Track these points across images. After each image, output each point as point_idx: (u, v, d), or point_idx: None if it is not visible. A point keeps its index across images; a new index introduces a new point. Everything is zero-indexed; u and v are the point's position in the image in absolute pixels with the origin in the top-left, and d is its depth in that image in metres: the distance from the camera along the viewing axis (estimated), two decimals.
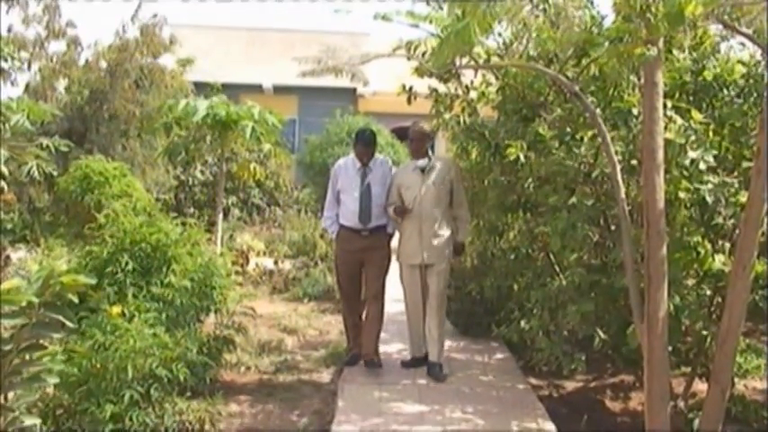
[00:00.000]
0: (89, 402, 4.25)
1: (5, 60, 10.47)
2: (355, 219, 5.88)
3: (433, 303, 5.80)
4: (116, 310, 4.70)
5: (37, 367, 2.95)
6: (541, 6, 4.78)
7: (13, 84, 11.27)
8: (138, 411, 4.30)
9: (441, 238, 5.75)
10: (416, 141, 5.84)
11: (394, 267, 6.06)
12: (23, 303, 2.79)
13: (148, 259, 5.37)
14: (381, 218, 5.94)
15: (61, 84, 12.25)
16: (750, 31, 3.87)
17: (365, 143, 5.94)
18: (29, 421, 2.97)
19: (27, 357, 2.92)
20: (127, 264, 5.22)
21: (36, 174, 8.71)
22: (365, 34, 18.64)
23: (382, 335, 6.06)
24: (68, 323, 2.94)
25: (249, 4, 49.87)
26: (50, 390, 4.25)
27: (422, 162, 5.82)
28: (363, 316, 6.05)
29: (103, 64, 12.25)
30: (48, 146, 8.84)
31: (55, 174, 9.13)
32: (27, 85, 11.92)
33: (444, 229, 5.78)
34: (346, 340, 6.30)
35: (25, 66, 11.81)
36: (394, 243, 6.05)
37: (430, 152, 5.97)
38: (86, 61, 12.38)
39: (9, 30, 11.74)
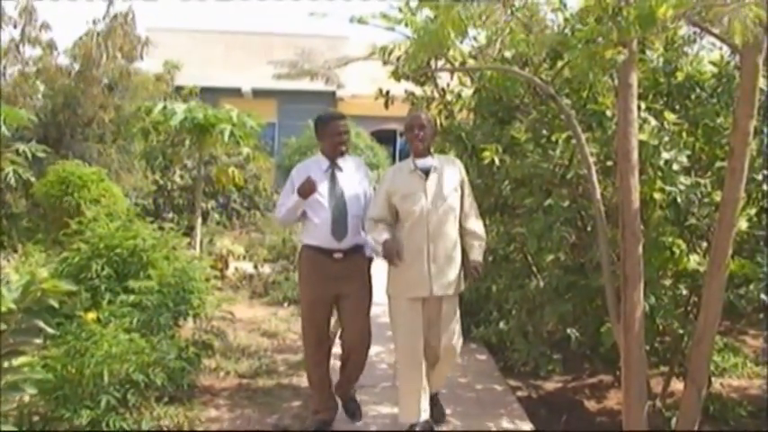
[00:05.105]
0: (65, 408, 4.20)
1: None
2: (327, 233, 4.54)
3: (444, 354, 4.59)
4: (91, 315, 4.67)
5: (16, 375, 2.93)
6: (518, 6, 4.80)
7: None
8: (115, 417, 4.26)
9: (454, 262, 4.50)
10: (419, 132, 4.46)
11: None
12: (3, 310, 2.77)
13: (124, 264, 5.35)
14: (358, 235, 4.65)
15: (37, 89, 12.17)
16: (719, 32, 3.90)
17: (337, 117, 4.75)
18: (6, 429, 2.94)
19: (6, 364, 2.90)
20: (102, 269, 5.20)
21: (12, 180, 8.66)
22: (344, 38, 18.63)
23: None
24: (48, 329, 2.93)
25: (228, 8, 49.70)
26: (26, 396, 4.22)
27: (424, 162, 4.49)
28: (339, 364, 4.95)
29: (75, 67, 12.17)
30: (24, 152, 8.79)
31: (32, 180, 9.07)
32: None
33: (457, 249, 4.52)
34: (311, 402, 5.03)
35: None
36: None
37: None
38: (57, 65, 12.31)
39: None
